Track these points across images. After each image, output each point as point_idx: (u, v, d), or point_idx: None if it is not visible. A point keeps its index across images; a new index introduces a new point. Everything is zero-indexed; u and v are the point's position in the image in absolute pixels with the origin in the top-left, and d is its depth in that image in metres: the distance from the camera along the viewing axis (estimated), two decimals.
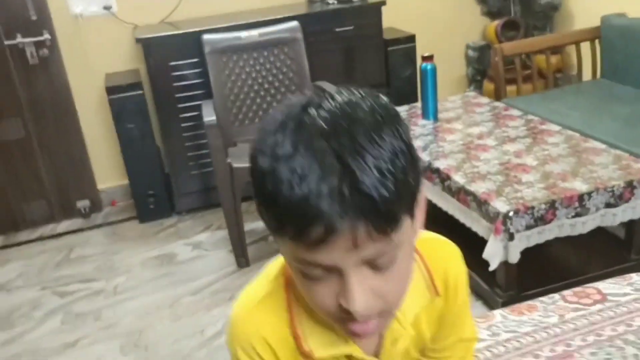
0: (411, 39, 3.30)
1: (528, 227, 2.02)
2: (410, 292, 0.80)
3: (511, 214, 1.96)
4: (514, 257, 2.01)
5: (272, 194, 0.60)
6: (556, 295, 1.09)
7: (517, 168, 2.25)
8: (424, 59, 2.74)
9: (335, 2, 3.23)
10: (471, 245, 1.99)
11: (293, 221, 0.59)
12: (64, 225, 3.26)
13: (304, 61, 2.86)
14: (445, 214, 2.31)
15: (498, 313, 1.07)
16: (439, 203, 2.36)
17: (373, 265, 0.64)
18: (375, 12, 3.18)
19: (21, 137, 3.10)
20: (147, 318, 2.38)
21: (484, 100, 3.09)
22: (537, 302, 1.07)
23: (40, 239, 3.16)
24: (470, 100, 3.10)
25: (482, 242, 2.06)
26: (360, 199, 0.57)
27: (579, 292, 1.09)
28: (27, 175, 3.18)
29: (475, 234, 2.13)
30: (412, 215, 0.65)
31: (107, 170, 3.35)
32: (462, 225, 2.20)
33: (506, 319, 1.05)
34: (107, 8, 3.08)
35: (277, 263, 0.82)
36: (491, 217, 2.02)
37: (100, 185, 3.36)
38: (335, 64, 3.18)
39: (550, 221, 2.03)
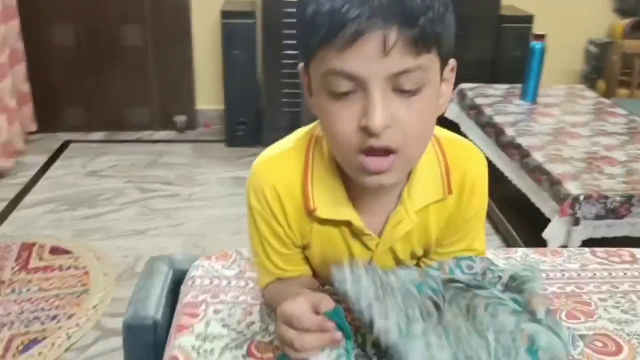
0: (528, 19, 3.19)
1: (598, 217, 1.95)
2: (424, 181, 0.83)
3: (581, 197, 1.90)
4: (575, 244, 1.95)
5: (310, 4, 0.67)
6: (586, 249, 1.07)
7: (602, 160, 2.16)
8: (536, 37, 2.66)
9: None
10: (535, 228, 1.97)
11: (327, 21, 0.65)
12: (160, 134, 3.50)
13: None
14: (518, 193, 2.27)
15: (520, 250, 1.07)
16: (514, 180, 2.32)
17: (398, 87, 0.68)
18: None
19: (138, 45, 3.34)
20: (211, 225, 2.54)
21: (591, 94, 2.96)
22: (564, 250, 1.06)
23: (138, 141, 3.41)
24: (576, 91, 2.98)
25: (545, 225, 2.01)
26: (394, 4, 0.64)
27: (611, 251, 1.07)
28: (137, 82, 3.43)
29: (541, 217, 2.07)
30: (440, 57, 0.70)
31: (208, 93, 3.54)
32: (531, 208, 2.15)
33: (526, 256, 1.05)
34: None
35: (305, 127, 0.88)
36: (561, 198, 1.96)
37: (199, 106, 3.56)
38: None
39: (623, 216, 1.95)
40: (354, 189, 0.83)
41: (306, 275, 0.94)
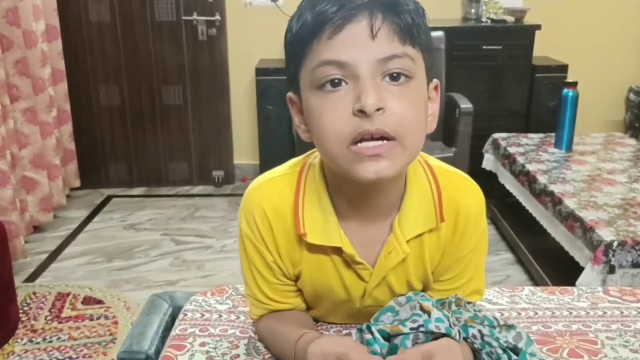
0: (563, 68, 3.16)
1: (635, 265, 1.85)
2: (415, 210, 0.82)
3: (615, 244, 1.82)
4: None
5: (294, 23, 0.73)
6: (599, 288, 1.01)
7: (639, 206, 2.07)
8: (567, 84, 2.62)
9: (489, 21, 3.21)
10: (571, 278, 1.89)
11: (312, 21, 0.70)
12: (198, 189, 3.58)
13: (442, 71, 2.88)
14: (553, 241, 2.19)
15: (527, 288, 1.02)
16: (548, 228, 2.25)
17: (388, 73, 0.70)
18: (527, 35, 3.10)
19: (179, 104, 3.48)
20: (240, 277, 2.53)
21: (631, 142, 2.87)
22: (575, 289, 1.01)
23: (176, 195, 3.50)
24: (615, 139, 2.90)
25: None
26: None
27: (626, 290, 1.01)
28: (178, 139, 3.55)
29: (577, 267, 1.98)
30: (425, 61, 0.73)
31: (245, 148, 3.62)
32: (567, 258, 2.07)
33: (533, 294, 1.00)
34: (274, 0, 3.37)
35: (298, 157, 0.89)
36: (594, 245, 1.88)
37: (237, 161, 3.64)
38: (476, 81, 3.15)
39: None
40: (346, 216, 0.82)
41: (299, 309, 0.92)
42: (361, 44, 0.69)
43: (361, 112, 0.68)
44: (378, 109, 0.68)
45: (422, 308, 0.74)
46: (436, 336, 0.73)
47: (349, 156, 0.71)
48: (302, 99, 0.77)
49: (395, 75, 0.70)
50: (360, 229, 0.83)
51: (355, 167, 0.71)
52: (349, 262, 0.84)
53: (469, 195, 0.85)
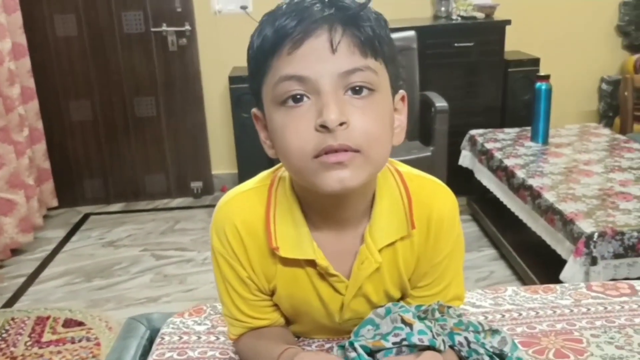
0: (534, 62, 3.18)
1: (617, 256, 1.86)
2: (386, 218, 0.81)
3: (596, 235, 1.82)
4: None
5: (255, 39, 0.72)
6: (582, 284, 1.00)
7: (617, 195, 2.08)
8: (539, 78, 2.63)
9: (459, 18, 3.22)
10: (554, 271, 1.89)
11: (272, 37, 0.69)
12: (177, 202, 3.54)
13: (415, 71, 2.88)
14: (534, 236, 2.19)
15: (510, 288, 1.01)
16: (528, 223, 2.25)
17: (350, 86, 0.69)
18: (498, 30, 3.11)
19: (152, 116, 3.43)
20: None
21: (606, 131, 2.89)
22: (558, 286, 1.00)
23: (154, 209, 3.45)
24: (589, 130, 2.92)
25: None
26: (335, 10, 0.68)
27: (608, 284, 1.00)
28: (153, 152, 3.50)
29: (560, 260, 1.98)
30: (388, 72, 0.73)
31: (223, 157, 3.59)
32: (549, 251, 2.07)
33: (517, 294, 0.99)
34: (243, 7, 3.34)
35: (267, 170, 0.87)
36: (574, 237, 1.88)
37: (214, 171, 3.60)
38: (449, 79, 3.15)
39: None
40: (319, 228, 0.81)
41: (278, 324, 0.90)
42: (322, 58, 0.67)
43: (323, 128, 0.67)
44: (341, 124, 0.67)
45: (403, 321, 0.72)
46: (421, 349, 0.71)
47: (313, 167, 0.70)
48: (265, 115, 0.75)
49: (357, 88, 0.69)
50: (333, 241, 0.82)
51: (319, 177, 0.70)
52: (324, 275, 0.82)
53: (440, 200, 0.84)
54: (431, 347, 0.71)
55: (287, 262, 0.81)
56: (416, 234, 0.82)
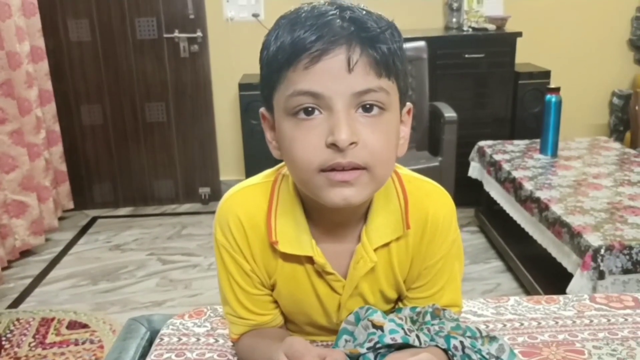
0: (545, 74, 3.17)
1: (626, 271, 1.84)
2: (382, 218, 0.82)
3: (603, 249, 1.80)
4: None
5: (273, 42, 0.71)
6: (585, 295, 0.99)
7: (626, 209, 2.07)
8: (549, 90, 2.62)
9: (470, 30, 3.22)
10: (562, 284, 1.87)
11: (290, 48, 0.68)
12: (185, 207, 3.55)
13: (424, 81, 2.88)
14: (541, 249, 2.18)
15: (513, 298, 1.00)
16: (535, 235, 2.23)
17: (362, 106, 0.69)
18: (509, 42, 3.11)
19: (163, 121, 3.45)
20: None
21: (616, 145, 2.87)
22: (561, 297, 0.99)
23: (162, 214, 3.46)
24: (599, 143, 2.90)
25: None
26: (355, 28, 0.68)
27: (612, 296, 0.99)
28: (162, 157, 3.52)
29: (567, 273, 1.96)
30: (399, 90, 0.73)
31: (231, 164, 3.60)
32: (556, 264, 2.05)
33: (519, 304, 0.98)
34: (255, 15, 3.36)
35: (272, 168, 0.88)
36: (582, 250, 1.87)
37: (223, 177, 3.61)
38: (459, 90, 3.15)
39: None
40: (318, 228, 0.82)
41: (278, 322, 0.91)
42: (337, 77, 0.68)
43: (334, 146, 0.68)
44: (351, 143, 0.68)
45: (374, 325, 0.73)
46: (397, 347, 0.72)
47: (319, 181, 0.71)
48: (274, 119, 0.76)
49: (368, 106, 0.70)
50: (331, 240, 0.83)
51: (324, 192, 0.71)
52: (321, 273, 0.83)
53: (437, 202, 0.84)
54: (405, 345, 0.72)
55: (288, 257, 0.83)
56: (411, 235, 0.83)
